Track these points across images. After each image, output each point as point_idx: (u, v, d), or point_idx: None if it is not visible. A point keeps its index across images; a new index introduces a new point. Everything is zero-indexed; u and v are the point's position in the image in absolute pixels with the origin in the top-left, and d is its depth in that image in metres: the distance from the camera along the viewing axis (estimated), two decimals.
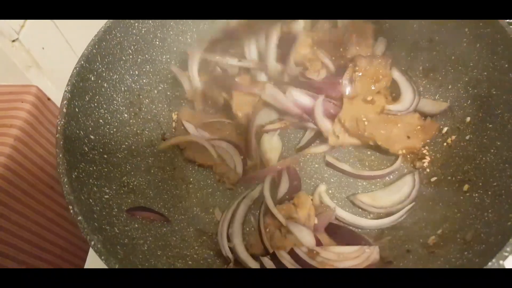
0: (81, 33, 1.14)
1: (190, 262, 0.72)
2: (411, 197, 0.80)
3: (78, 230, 1.31)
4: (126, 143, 0.82)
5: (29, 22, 1.09)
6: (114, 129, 0.81)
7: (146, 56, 0.90)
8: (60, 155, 0.64)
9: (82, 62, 0.75)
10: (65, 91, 0.71)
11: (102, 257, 0.56)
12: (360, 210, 0.83)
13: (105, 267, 0.56)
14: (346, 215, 0.81)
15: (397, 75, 0.89)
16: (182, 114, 0.97)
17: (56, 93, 1.24)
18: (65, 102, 0.70)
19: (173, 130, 0.96)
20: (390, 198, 0.82)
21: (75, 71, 0.74)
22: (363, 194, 0.83)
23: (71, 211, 0.60)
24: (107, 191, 0.71)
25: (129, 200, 0.75)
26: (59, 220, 1.26)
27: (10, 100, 1.14)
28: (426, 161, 0.84)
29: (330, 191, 0.86)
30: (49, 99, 1.21)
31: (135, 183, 0.79)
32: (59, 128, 0.67)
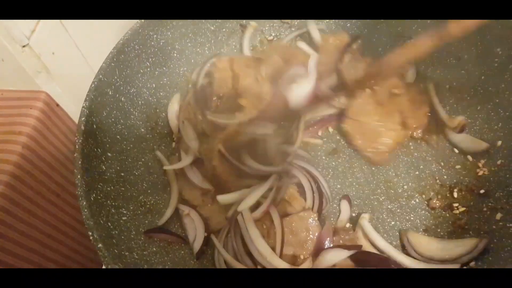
0: (91, 38, 1.11)
1: None
2: (461, 260, 0.70)
3: (84, 239, 1.28)
4: (143, 160, 0.80)
5: (40, 27, 1.05)
6: (131, 145, 0.78)
7: (164, 68, 0.87)
8: (79, 176, 0.62)
9: (100, 76, 0.72)
10: (83, 106, 0.68)
11: None
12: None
13: None
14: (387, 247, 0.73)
15: None
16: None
17: (65, 99, 1.21)
18: (83, 118, 0.67)
19: None
20: (442, 253, 0.71)
21: (93, 85, 0.71)
22: (416, 235, 0.75)
23: (91, 237, 0.57)
24: (124, 212, 0.69)
25: (146, 221, 0.73)
26: (65, 228, 1.23)
27: (19, 106, 1.11)
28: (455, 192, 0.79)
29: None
30: (58, 105, 1.18)
31: (152, 202, 0.76)
32: (77, 147, 0.64)
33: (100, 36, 0.82)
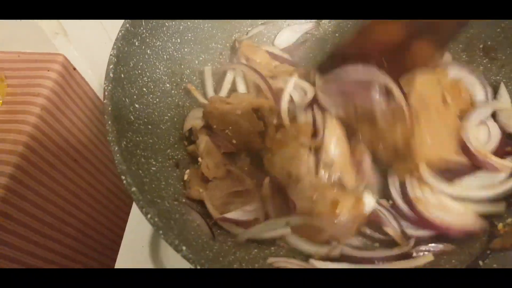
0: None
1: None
2: None
3: (101, 206, 1.28)
4: (169, 114, 0.78)
5: None
6: (157, 99, 0.76)
7: (188, 23, 0.85)
8: (109, 122, 0.60)
9: (128, 25, 0.70)
10: (111, 54, 0.67)
11: (161, 232, 0.52)
12: None
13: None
14: None
15: None
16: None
17: (82, 63, 1.19)
18: (111, 66, 0.65)
19: None
20: None
21: (120, 34, 0.69)
22: None
23: (124, 181, 0.55)
24: (153, 163, 0.67)
25: (175, 174, 0.71)
26: (83, 194, 1.22)
27: (36, 68, 1.09)
28: None
29: None
30: (75, 69, 1.16)
31: (179, 156, 0.75)
32: (106, 93, 0.63)
33: None
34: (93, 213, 1.26)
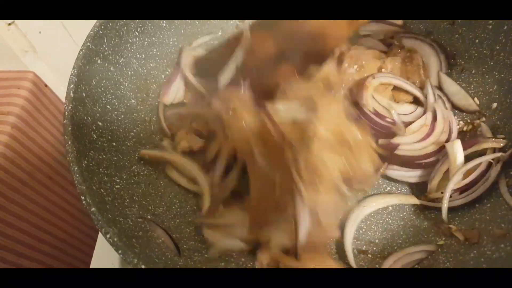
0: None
1: (206, 255, 0.68)
2: None
3: (78, 222, 1.27)
4: (135, 131, 0.78)
5: None
6: (122, 116, 0.76)
7: (153, 38, 0.85)
8: (69, 142, 0.60)
9: (88, 44, 0.70)
10: (72, 74, 0.67)
11: (120, 251, 0.52)
12: None
13: (109, 266, 0.53)
14: None
15: None
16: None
17: (54, 80, 1.18)
18: (71, 86, 0.66)
19: None
20: None
21: (81, 53, 0.69)
22: None
23: (83, 201, 0.55)
24: (117, 180, 0.67)
25: (140, 190, 0.71)
26: (59, 211, 1.21)
27: (6, 86, 1.08)
28: None
29: None
30: (46, 85, 1.16)
31: (145, 172, 0.75)
32: (66, 113, 0.63)
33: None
34: (69, 229, 1.25)
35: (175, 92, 0.87)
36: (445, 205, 0.70)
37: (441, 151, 0.75)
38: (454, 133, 0.77)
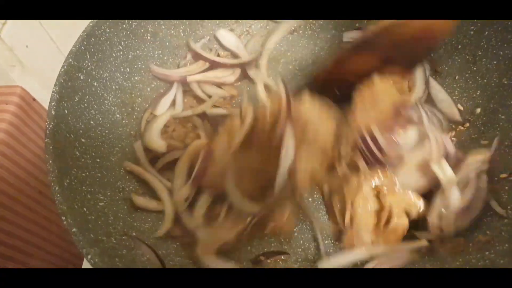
0: (66, 30, 1.08)
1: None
2: None
3: (69, 235, 1.26)
4: (120, 145, 0.78)
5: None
6: (107, 131, 0.76)
7: (138, 52, 0.85)
8: (50, 161, 0.60)
9: (70, 60, 0.70)
10: (53, 91, 0.67)
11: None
12: None
13: None
14: None
15: None
16: None
17: (42, 94, 1.18)
18: (53, 103, 0.65)
19: None
20: None
21: (63, 69, 0.69)
22: None
23: (64, 222, 0.55)
24: (101, 197, 0.67)
25: (125, 207, 0.71)
26: (50, 225, 1.21)
27: None
28: None
29: None
30: (34, 99, 1.15)
31: (131, 187, 0.75)
32: (48, 132, 0.62)
33: (76, 28, 0.80)
34: (61, 243, 1.24)
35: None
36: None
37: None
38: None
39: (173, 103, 0.88)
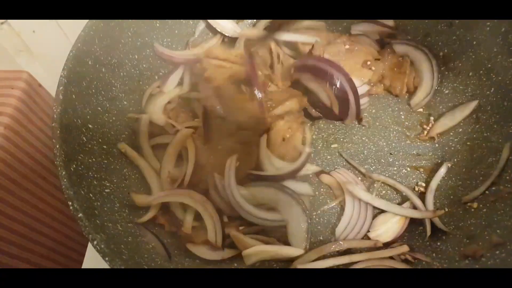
0: None
1: (197, 261, 0.67)
2: None
3: (74, 223, 1.26)
4: (127, 132, 0.77)
5: None
6: (114, 118, 0.75)
7: (146, 39, 0.84)
8: (57, 146, 0.59)
9: (79, 45, 0.69)
10: (61, 76, 0.66)
11: (106, 258, 0.51)
12: None
13: (105, 265, 0.52)
14: None
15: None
16: None
17: (48, 79, 1.17)
18: (61, 88, 0.64)
19: None
20: None
21: (71, 54, 0.68)
22: None
23: (71, 207, 0.54)
24: (107, 184, 0.66)
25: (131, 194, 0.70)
26: (53, 212, 1.20)
27: (0, 86, 1.07)
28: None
29: None
30: (40, 85, 1.14)
31: (137, 175, 0.74)
32: (55, 116, 0.62)
33: None
34: (63, 229, 1.24)
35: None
36: None
37: None
38: None
39: (181, 81, 0.88)
